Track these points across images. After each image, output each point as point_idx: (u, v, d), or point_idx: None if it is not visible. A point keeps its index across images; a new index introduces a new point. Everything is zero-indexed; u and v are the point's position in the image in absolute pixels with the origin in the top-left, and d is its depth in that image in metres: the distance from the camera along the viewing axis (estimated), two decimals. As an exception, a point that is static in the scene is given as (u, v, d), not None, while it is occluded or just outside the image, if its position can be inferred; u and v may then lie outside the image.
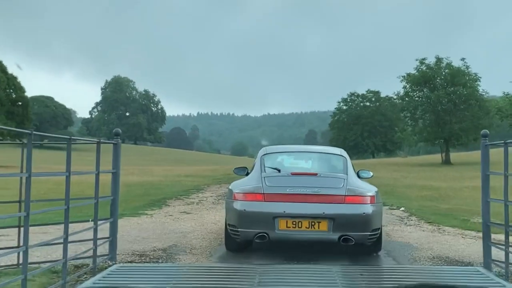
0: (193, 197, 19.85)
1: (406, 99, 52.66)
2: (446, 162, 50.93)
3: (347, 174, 9.21)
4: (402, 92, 52.93)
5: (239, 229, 8.69)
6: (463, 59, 51.38)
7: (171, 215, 13.99)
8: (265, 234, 8.47)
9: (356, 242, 8.51)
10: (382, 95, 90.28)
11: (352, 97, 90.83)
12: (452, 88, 50.44)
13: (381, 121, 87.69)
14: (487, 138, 7.71)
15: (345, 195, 8.59)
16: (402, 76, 52.81)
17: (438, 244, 10.16)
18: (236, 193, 8.88)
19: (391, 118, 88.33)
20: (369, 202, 8.65)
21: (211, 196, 20.07)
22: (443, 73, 51.42)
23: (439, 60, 52.11)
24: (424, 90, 51.91)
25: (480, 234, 8.43)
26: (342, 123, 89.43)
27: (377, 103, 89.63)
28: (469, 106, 50.84)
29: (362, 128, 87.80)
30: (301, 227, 8.49)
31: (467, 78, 50.74)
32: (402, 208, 16.66)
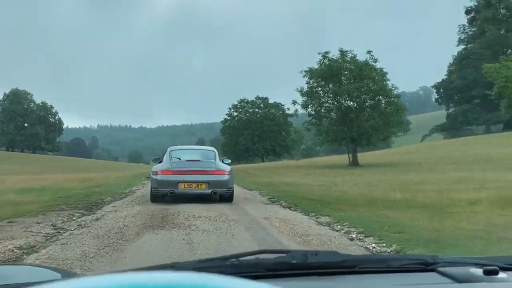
0: None
1: (311, 95, 39.19)
2: (354, 163, 38.18)
3: (215, 160, 13.98)
4: (305, 88, 39.57)
5: (159, 189, 13.30)
6: (369, 51, 38.84)
7: None
8: (173, 191, 13.15)
9: (220, 194, 13.39)
10: (270, 101, 78.14)
11: (242, 104, 77.71)
12: (360, 82, 37.75)
13: (270, 126, 75.13)
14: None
15: (214, 170, 13.41)
16: (305, 71, 39.60)
17: None
18: (157, 171, 13.50)
19: (279, 123, 76.31)
20: (226, 174, 13.49)
21: None
22: (349, 67, 38.63)
23: (343, 53, 39.31)
24: (330, 86, 38.82)
25: None
26: (233, 128, 76.13)
27: (266, 109, 77.02)
28: (379, 102, 38.35)
29: (252, 133, 74.82)
30: (192, 187, 13.21)
31: (375, 73, 38.27)
32: None
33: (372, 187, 20.62)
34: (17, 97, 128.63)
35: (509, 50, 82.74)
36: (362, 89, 37.56)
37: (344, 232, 8.59)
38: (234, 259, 1.44)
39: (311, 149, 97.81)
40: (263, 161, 74.78)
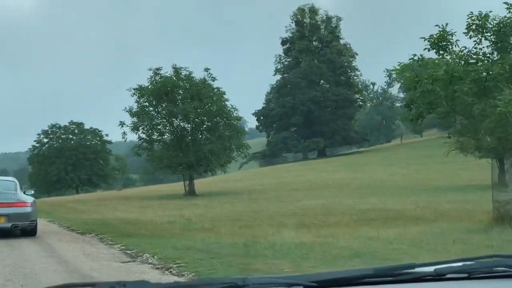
0: None
1: (142, 116, 33.93)
2: (191, 193, 33.76)
3: (16, 191, 13.22)
4: (135, 107, 34.23)
5: None
6: (207, 69, 34.94)
7: None
8: None
9: (21, 227, 12.51)
10: (86, 126, 70.16)
11: (54, 129, 68.62)
12: (198, 102, 33.59)
13: (86, 154, 67.26)
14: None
15: (15, 202, 12.58)
16: (134, 89, 34.40)
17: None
18: None
19: (96, 150, 68.83)
20: (29, 206, 12.66)
21: None
22: (186, 85, 34.33)
23: (177, 70, 34.94)
24: (164, 105, 34.05)
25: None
26: (42, 157, 66.71)
27: (81, 135, 69.04)
28: (217, 124, 34.53)
29: (65, 161, 66.21)
30: None
31: (213, 92, 34.50)
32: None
33: (238, 222, 16.49)
34: None
35: (322, 81, 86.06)
36: (199, 110, 33.44)
37: None
38: None
39: (128, 178, 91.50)
40: (77, 192, 66.58)
